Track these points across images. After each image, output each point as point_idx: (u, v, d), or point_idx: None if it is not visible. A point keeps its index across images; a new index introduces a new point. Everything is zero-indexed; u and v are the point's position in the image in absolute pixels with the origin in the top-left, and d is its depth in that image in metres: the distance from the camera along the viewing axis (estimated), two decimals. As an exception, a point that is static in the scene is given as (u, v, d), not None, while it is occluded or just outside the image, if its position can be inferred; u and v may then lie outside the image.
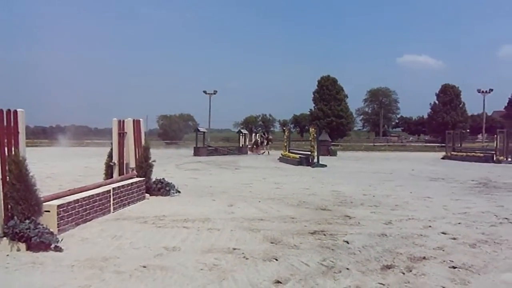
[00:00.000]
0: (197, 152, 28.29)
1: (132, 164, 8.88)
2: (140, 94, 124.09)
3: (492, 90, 59.70)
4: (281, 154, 23.57)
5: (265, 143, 33.12)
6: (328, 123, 57.49)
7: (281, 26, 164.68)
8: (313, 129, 20.45)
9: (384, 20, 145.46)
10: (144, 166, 8.92)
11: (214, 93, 61.86)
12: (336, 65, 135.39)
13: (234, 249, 5.01)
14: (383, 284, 3.90)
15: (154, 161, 9.22)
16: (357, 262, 4.54)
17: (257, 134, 37.29)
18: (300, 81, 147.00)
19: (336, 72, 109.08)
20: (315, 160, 18.84)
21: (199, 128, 32.72)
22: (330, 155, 27.68)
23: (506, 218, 7.06)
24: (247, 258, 4.64)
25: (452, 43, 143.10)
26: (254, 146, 33.05)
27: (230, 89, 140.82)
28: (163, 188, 9.08)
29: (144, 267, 4.29)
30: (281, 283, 3.92)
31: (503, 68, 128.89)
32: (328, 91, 61.22)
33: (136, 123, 9.02)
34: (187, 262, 4.49)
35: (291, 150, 23.34)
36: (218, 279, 3.99)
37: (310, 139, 20.86)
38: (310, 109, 64.88)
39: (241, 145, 32.80)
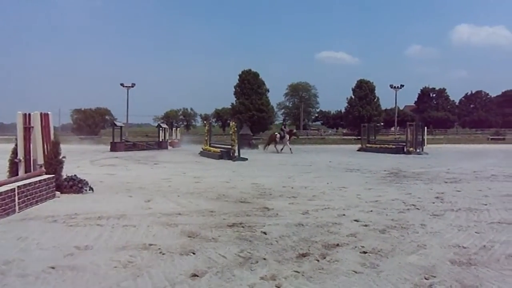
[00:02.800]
0: (114, 147, 27.18)
1: (40, 161, 8.29)
2: (52, 87, 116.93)
3: (403, 86, 63.79)
4: (202, 148, 23.40)
5: (287, 138, 26.21)
6: (249, 117, 58.14)
7: (203, 19, 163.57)
8: (233, 123, 20.51)
9: (303, 16, 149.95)
10: (53, 162, 8.37)
11: (132, 86, 59.85)
12: (257, 59, 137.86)
13: (151, 245, 4.86)
14: (298, 272, 3.99)
15: (64, 157, 8.68)
16: (273, 252, 4.61)
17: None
18: (222, 75, 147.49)
19: (258, 66, 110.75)
20: (236, 153, 18.93)
21: (116, 123, 31.40)
22: (252, 149, 28.00)
23: (413, 205, 7.54)
24: (163, 254, 4.53)
25: (367, 41, 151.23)
26: (275, 142, 26.51)
27: (150, 82, 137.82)
28: (75, 185, 8.58)
29: (53, 268, 4.03)
30: (198, 276, 3.87)
31: (413, 66, 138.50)
32: (250, 85, 61.86)
33: (44, 117, 8.43)
34: (100, 260, 4.28)
35: (212, 144, 23.24)
36: (132, 276, 3.85)
37: (231, 133, 20.91)
38: (232, 103, 65.19)
39: (160, 140, 32.04)
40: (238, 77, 63.53)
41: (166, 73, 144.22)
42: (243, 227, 5.76)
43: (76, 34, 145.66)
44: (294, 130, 30.39)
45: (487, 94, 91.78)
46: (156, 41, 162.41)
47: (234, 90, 63.75)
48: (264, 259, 4.36)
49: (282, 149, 26.06)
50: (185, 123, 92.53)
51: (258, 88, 62.28)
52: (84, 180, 8.82)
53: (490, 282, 3.75)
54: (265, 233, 5.43)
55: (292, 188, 9.68)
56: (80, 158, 19.65)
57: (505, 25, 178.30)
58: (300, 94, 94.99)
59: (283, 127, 28.32)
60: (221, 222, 6.08)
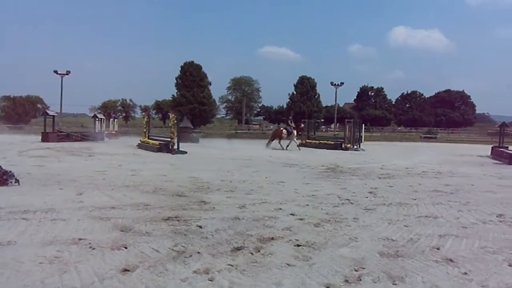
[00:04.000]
0: (45, 137, 25.83)
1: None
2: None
3: (343, 83, 65.51)
4: (140, 141, 22.83)
5: (295, 134, 24.24)
6: (191, 110, 57.40)
7: (145, 7, 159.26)
8: (173, 115, 20.15)
9: (246, 10, 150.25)
10: (-24, 151, 7.81)
11: (67, 74, 56.99)
12: (200, 52, 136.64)
13: (80, 239, 4.66)
14: (232, 265, 3.99)
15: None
16: (208, 245, 4.57)
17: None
18: (163, 66, 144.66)
19: (201, 59, 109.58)
20: (176, 146, 18.64)
21: (48, 111, 29.91)
22: (192, 142, 27.70)
23: (347, 199, 7.76)
24: (93, 248, 4.36)
25: (310, 38, 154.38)
26: (280, 138, 24.15)
27: (87, 70, 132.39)
28: (-1, 177, 8.06)
29: (-31, 265, 3.75)
30: (129, 271, 3.76)
31: (353, 64, 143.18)
32: (192, 78, 61.03)
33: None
34: (23, 256, 4.04)
35: (151, 137, 22.72)
36: (59, 272, 3.66)
37: (170, 125, 20.53)
38: (173, 95, 64.07)
39: (97, 131, 30.86)
40: (180, 68, 62.49)
41: (104, 62, 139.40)
42: (178, 220, 5.67)
43: (6, 15, 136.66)
44: (302, 125, 26.98)
45: (422, 95, 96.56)
46: (94, 28, 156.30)
47: (175, 82, 62.67)
48: (198, 252, 4.31)
49: (288, 146, 23.68)
50: (123, 114, 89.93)
51: (201, 81, 61.62)
52: (10, 171, 8.29)
53: (415, 273, 3.93)
54: (200, 226, 5.38)
55: (231, 182, 9.67)
56: (8, 148, 18.52)
57: (439, 28, 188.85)
58: (243, 88, 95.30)
59: (289, 121, 25.54)
60: (156, 215, 5.95)
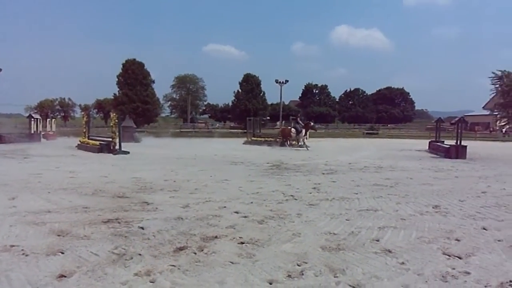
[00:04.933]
0: (-27, 140, 24.28)
1: None
2: None
3: (288, 81, 66.01)
4: (80, 141, 21.97)
5: (304, 133, 23.18)
6: (133, 109, 55.85)
7: (84, 3, 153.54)
8: (114, 114, 19.53)
9: (190, 8, 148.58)
10: None
11: (-1, 71, 53.76)
12: (143, 49, 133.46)
13: (12, 246, 4.41)
14: (174, 266, 3.93)
15: None
16: (150, 247, 4.47)
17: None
18: (104, 63, 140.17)
19: (143, 56, 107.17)
20: (117, 147, 18.10)
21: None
22: (135, 142, 27.04)
23: (292, 195, 7.88)
24: (27, 255, 4.14)
25: (254, 36, 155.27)
26: (289, 137, 23.64)
27: (22, 68, 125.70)
28: None
29: None
30: (65, 277, 3.61)
31: (297, 62, 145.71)
32: (134, 76, 59.29)
33: None
34: None
35: (91, 137, 21.93)
36: (-13, 282, 3.44)
37: (111, 124, 19.89)
38: (114, 94, 62.08)
39: (32, 132, 29.35)
40: (121, 66, 60.63)
41: (41, 59, 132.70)
42: (119, 222, 5.50)
43: None
44: (312, 123, 25.39)
45: (364, 92, 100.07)
46: (29, 25, 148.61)
47: (117, 80, 60.74)
48: (140, 254, 4.21)
49: (299, 144, 23.20)
50: (62, 114, 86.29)
51: (143, 79, 59.99)
52: None
53: (355, 265, 4.05)
54: (142, 228, 5.25)
55: (174, 181, 9.52)
56: None
57: (378, 28, 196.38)
58: (188, 86, 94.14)
59: (298, 119, 24.60)
60: (96, 218, 5.74)
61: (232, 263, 4.05)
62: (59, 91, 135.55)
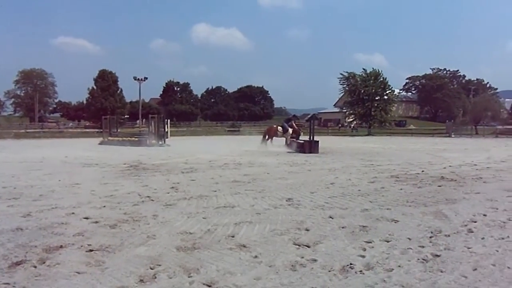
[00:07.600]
0: None
1: None
2: None
3: (147, 78, 64.32)
4: None
5: (290, 132, 22.98)
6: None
7: None
8: None
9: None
10: None
11: None
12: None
13: None
14: (9, 284, 3.49)
15: None
16: (-22, 265, 3.90)
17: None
18: None
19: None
20: None
21: None
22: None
23: (148, 196, 7.64)
24: None
25: (110, 30, 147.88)
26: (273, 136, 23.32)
27: None
28: None
29: None
30: None
31: (157, 59, 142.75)
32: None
33: None
34: None
35: None
36: None
37: None
38: None
39: None
40: None
41: None
42: None
43: None
44: (304, 124, 24.85)
45: (226, 90, 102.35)
46: None
47: None
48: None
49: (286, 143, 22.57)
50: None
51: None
52: None
53: (210, 262, 4.06)
54: (-31, 244, 4.57)
55: (15, 188, 8.54)
56: None
57: (237, 27, 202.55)
58: (35, 82, 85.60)
59: (293, 123, 24.65)
60: None
61: (78, 273, 3.75)
62: None
